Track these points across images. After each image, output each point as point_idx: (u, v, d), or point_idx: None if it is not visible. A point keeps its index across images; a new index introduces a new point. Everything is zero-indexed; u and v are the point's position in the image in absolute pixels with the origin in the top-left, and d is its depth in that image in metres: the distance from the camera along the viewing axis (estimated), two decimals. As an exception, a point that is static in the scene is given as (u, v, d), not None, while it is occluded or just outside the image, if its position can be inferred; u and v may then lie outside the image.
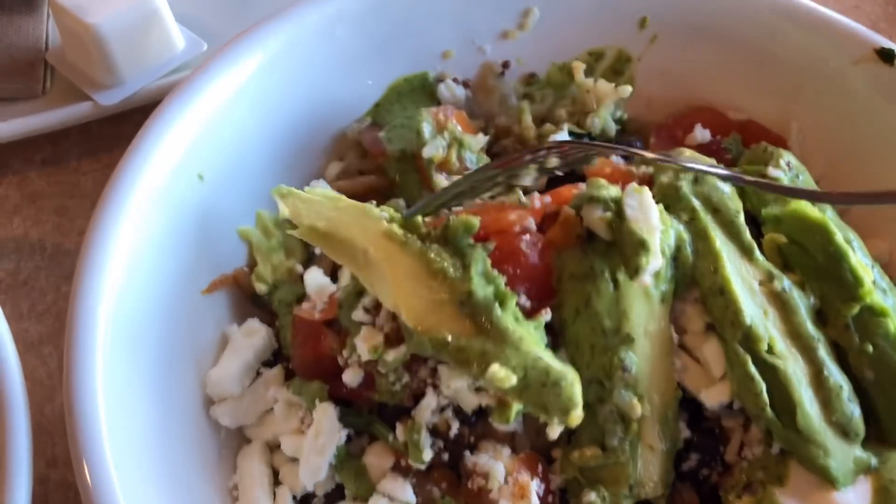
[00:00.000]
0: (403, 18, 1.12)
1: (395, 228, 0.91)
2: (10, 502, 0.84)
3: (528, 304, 0.90)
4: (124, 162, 0.94)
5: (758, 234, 0.99)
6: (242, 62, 1.02)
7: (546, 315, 0.89)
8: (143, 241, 0.93)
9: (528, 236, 0.93)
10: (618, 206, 0.91)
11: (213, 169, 1.00)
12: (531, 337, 0.84)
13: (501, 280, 0.88)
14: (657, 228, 0.90)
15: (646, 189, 0.92)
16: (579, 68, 1.18)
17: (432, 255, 0.88)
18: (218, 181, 1.01)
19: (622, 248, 0.90)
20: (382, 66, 1.14)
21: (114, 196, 0.93)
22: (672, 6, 1.16)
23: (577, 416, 0.81)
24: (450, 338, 0.83)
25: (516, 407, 0.85)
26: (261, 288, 1.02)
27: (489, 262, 0.89)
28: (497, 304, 0.86)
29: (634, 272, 0.88)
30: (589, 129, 1.15)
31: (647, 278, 0.89)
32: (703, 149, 1.14)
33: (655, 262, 0.88)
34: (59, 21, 1.19)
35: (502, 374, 0.80)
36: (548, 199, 0.98)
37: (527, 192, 1.01)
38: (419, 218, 0.93)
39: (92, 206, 1.20)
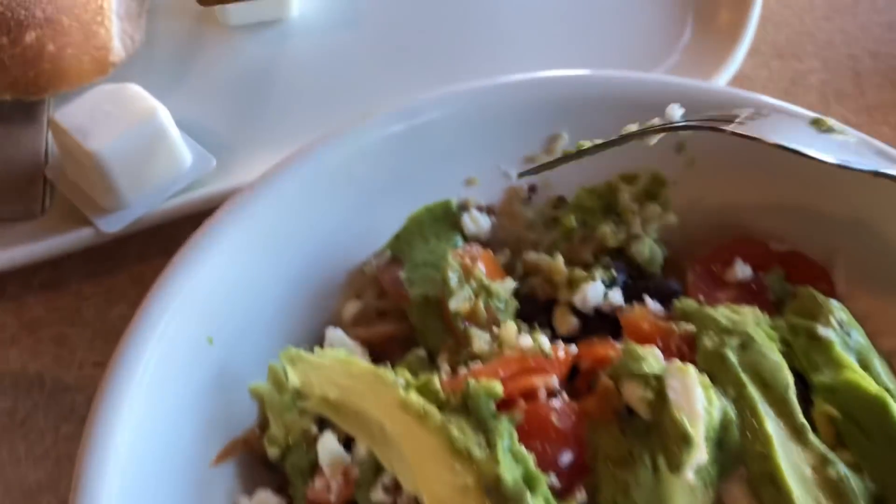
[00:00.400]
0: (426, 150, 1.06)
1: (413, 397, 0.85)
2: None
3: (558, 483, 0.84)
4: (128, 335, 0.87)
5: (805, 398, 0.92)
6: (255, 213, 0.95)
7: (580, 495, 0.83)
8: (150, 415, 0.87)
9: (558, 405, 0.87)
10: (659, 385, 0.85)
11: (224, 330, 0.94)
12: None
13: (531, 460, 0.81)
14: (702, 417, 0.83)
15: (690, 369, 0.85)
16: (625, 190, 1.11)
17: (454, 432, 0.82)
18: (229, 342, 0.94)
19: (663, 433, 0.84)
20: (403, 197, 1.07)
21: (121, 365, 0.87)
22: (712, 134, 1.09)
23: None
24: None
25: None
26: (273, 453, 0.95)
27: (516, 436, 0.83)
28: (527, 492, 0.80)
29: (676, 468, 0.82)
30: (635, 257, 1.08)
31: (689, 474, 0.82)
32: (744, 287, 1.07)
33: (700, 456, 0.82)
34: (59, 141, 1.12)
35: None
36: (573, 348, 0.92)
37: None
38: (437, 382, 0.87)
39: (93, 335, 1.15)
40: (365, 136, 1.03)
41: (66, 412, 1.10)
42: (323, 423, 0.98)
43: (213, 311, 0.93)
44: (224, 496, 0.93)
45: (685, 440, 0.82)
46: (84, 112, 1.10)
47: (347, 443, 0.94)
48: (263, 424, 0.98)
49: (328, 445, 0.92)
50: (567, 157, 1.06)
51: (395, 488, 0.86)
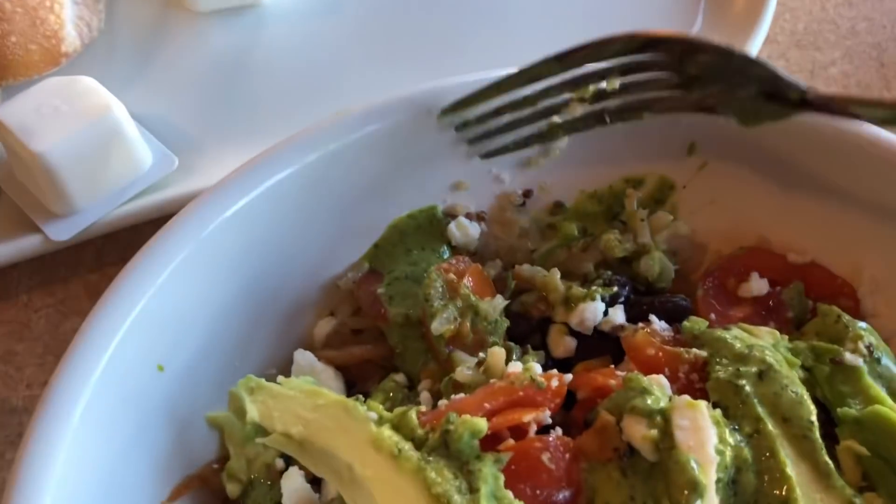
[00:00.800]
0: (408, 152, 0.95)
1: (386, 434, 0.75)
2: None
3: None
4: (70, 354, 0.77)
5: (831, 433, 0.82)
6: (214, 222, 0.85)
7: None
8: (90, 451, 0.78)
9: (551, 442, 0.77)
10: (665, 422, 0.75)
11: (177, 356, 0.84)
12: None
13: None
14: (714, 460, 0.73)
15: (701, 405, 0.75)
16: (632, 196, 1.01)
17: (432, 475, 0.72)
18: (182, 368, 0.84)
19: (668, 477, 0.74)
20: (383, 203, 0.96)
21: (55, 397, 0.77)
22: (726, 131, 0.98)
23: None
24: None
25: None
26: (233, 490, 0.86)
27: (502, 479, 0.73)
28: None
29: None
30: (643, 273, 0.98)
31: None
32: (760, 303, 0.97)
33: None
34: (3, 140, 1.02)
35: None
36: (568, 377, 0.81)
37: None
38: (414, 417, 0.77)
39: (44, 351, 1.05)
40: (341, 135, 0.92)
41: (12, 437, 1.01)
42: (288, 457, 0.88)
43: (164, 335, 0.83)
44: (177, 540, 0.84)
45: (694, 487, 0.72)
46: (30, 108, 0.99)
47: (315, 479, 0.84)
48: (223, 458, 0.88)
49: (294, 483, 0.82)
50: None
51: (366, 535, 0.76)
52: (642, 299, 0.95)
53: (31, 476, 0.74)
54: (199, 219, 0.85)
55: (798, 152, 0.98)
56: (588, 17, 1.28)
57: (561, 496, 0.75)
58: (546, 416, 0.78)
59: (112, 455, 0.79)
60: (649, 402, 0.76)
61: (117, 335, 0.79)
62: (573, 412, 0.84)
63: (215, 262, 0.87)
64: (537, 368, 0.82)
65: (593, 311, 0.89)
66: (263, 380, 0.82)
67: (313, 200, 0.92)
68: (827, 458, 0.78)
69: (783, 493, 0.76)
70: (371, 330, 0.96)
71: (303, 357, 0.91)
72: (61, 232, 1.02)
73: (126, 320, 0.80)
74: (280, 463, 0.87)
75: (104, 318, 0.79)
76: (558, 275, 0.94)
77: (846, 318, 0.89)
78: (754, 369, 0.82)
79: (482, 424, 0.74)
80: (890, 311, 0.95)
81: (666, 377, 0.82)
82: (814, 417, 0.80)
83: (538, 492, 0.75)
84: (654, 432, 0.74)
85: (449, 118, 0.95)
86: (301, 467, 0.84)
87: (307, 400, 0.80)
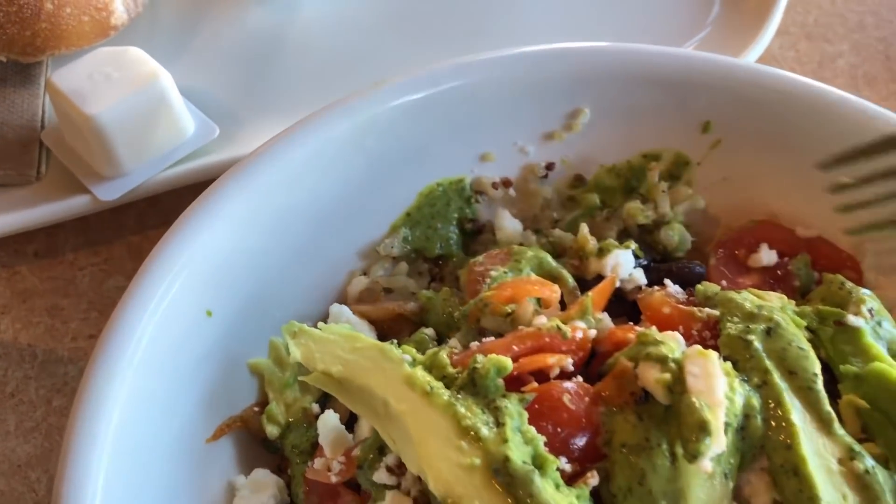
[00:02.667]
0: (440, 123, 1.01)
1: (419, 374, 0.81)
2: None
3: (569, 467, 0.79)
4: (124, 301, 0.83)
5: (833, 390, 0.87)
6: (258, 182, 0.91)
7: (593, 480, 0.79)
8: (143, 387, 0.83)
9: (571, 386, 0.82)
10: (679, 368, 0.80)
11: (223, 302, 0.89)
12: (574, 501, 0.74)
13: (541, 441, 0.77)
14: (723, 405, 0.78)
15: (712, 354, 0.80)
16: (655, 169, 1.06)
17: (461, 410, 0.78)
18: (228, 315, 0.90)
19: (680, 419, 0.79)
20: (414, 171, 1.02)
21: (112, 340, 0.83)
22: (741, 112, 1.04)
23: None
24: None
25: None
26: (272, 431, 0.92)
27: (526, 416, 0.78)
28: (536, 473, 0.75)
29: (692, 457, 0.77)
30: (663, 242, 1.04)
31: (706, 464, 0.78)
32: (768, 273, 1.03)
33: (717, 446, 0.77)
34: (57, 104, 1.08)
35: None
36: (592, 332, 0.87)
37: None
38: (444, 357, 0.83)
39: (88, 307, 1.11)
40: (376, 105, 0.98)
41: (58, 384, 1.06)
42: (324, 402, 0.94)
43: (213, 283, 0.88)
44: (219, 475, 0.89)
45: (703, 429, 0.76)
46: (83, 75, 1.05)
47: (349, 423, 0.90)
48: (262, 402, 0.94)
49: (329, 423, 0.88)
50: None
51: (398, 468, 0.81)
52: (660, 265, 1.01)
53: (92, 410, 0.79)
54: (246, 178, 0.91)
55: (808, 133, 1.04)
56: (612, 3, 1.34)
57: (580, 435, 0.80)
58: (569, 362, 0.84)
59: (163, 393, 0.85)
60: (663, 350, 0.81)
61: (170, 280, 0.85)
62: (593, 367, 0.89)
63: (260, 220, 0.92)
64: (560, 323, 0.88)
65: (627, 258, 0.95)
66: (305, 325, 0.87)
67: (351, 166, 0.98)
68: (829, 409, 0.84)
69: (788, 438, 0.81)
70: (401, 290, 1.01)
71: (338, 310, 0.96)
72: (108, 193, 1.08)
73: (178, 266, 0.85)
74: (316, 407, 0.93)
75: (159, 264, 0.85)
76: (587, 229, 0.99)
77: (850, 284, 0.94)
78: (763, 326, 0.87)
79: (507, 362, 0.79)
80: (891, 283, 1.00)
81: (680, 334, 0.87)
82: (818, 371, 0.85)
83: (559, 430, 0.80)
84: (666, 376, 0.79)
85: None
86: (336, 411, 0.90)
87: (346, 343, 0.85)
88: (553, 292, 0.91)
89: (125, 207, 1.13)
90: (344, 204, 0.99)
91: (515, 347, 0.84)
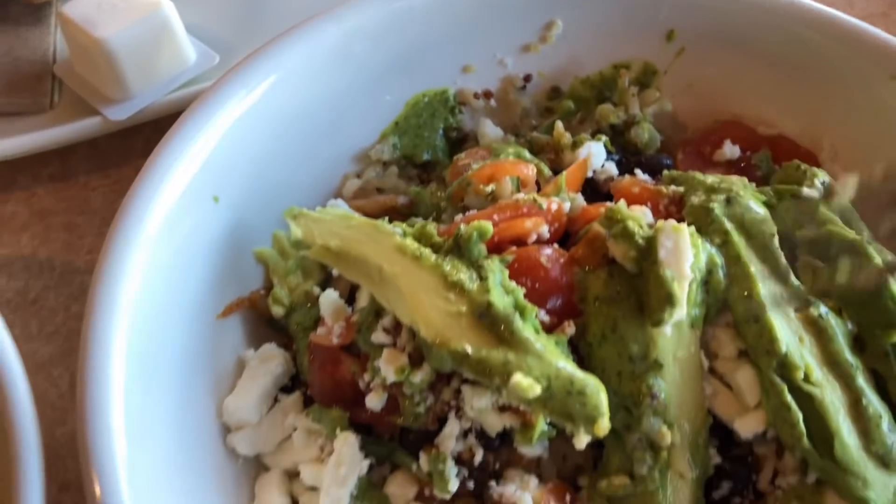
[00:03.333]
0: (423, 33, 1.09)
1: (409, 242, 0.89)
2: None
3: (547, 319, 0.87)
4: (137, 184, 0.91)
5: (793, 258, 0.95)
6: (257, 81, 0.99)
7: (570, 329, 0.86)
8: (157, 265, 0.90)
9: (548, 250, 0.90)
10: (649, 244, 0.87)
11: (229, 190, 0.97)
12: (553, 348, 0.81)
13: (520, 292, 0.85)
14: (688, 278, 0.85)
15: (684, 229, 0.87)
16: (624, 75, 1.15)
17: (448, 268, 0.86)
18: (234, 203, 0.98)
19: (648, 287, 0.87)
20: (401, 81, 1.11)
21: (127, 219, 0.90)
22: (701, 18, 1.13)
23: (603, 425, 0.78)
24: (470, 350, 0.80)
25: (540, 427, 0.83)
26: (277, 311, 0.99)
27: (507, 273, 0.86)
28: (517, 315, 0.83)
29: (656, 323, 0.85)
30: (634, 140, 1.12)
31: (668, 329, 0.86)
32: (732, 166, 1.11)
33: (679, 314, 0.85)
34: (67, 33, 1.16)
35: (525, 384, 0.77)
36: (567, 205, 0.95)
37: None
38: (432, 226, 0.91)
39: (101, 223, 1.18)
40: (362, 13, 1.06)
41: (76, 292, 1.14)
42: (325, 286, 1.01)
43: (219, 172, 0.96)
44: (230, 350, 0.97)
45: (669, 300, 0.84)
46: (92, 4, 1.13)
47: (348, 301, 0.98)
48: (268, 287, 1.02)
49: (330, 298, 0.96)
50: None
51: (394, 329, 0.89)
52: (630, 159, 1.10)
53: (113, 275, 0.87)
54: (244, 78, 0.99)
55: (765, 37, 1.12)
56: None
57: (557, 291, 0.88)
58: (544, 229, 0.92)
59: (176, 268, 0.92)
60: (631, 226, 0.89)
61: (180, 163, 0.92)
62: (568, 245, 0.97)
63: (261, 118, 1.00)
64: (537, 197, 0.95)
65: (599, 149, 1.03)
66: (304, 209, 0.95)
67: (341, 72, 1.06)
68: (785, 263, 0.92)
69: (747, 289, 0.89)
70: (392, 189, 1.10)
71: (335, 203, 1.04)
72: (117, 113, 1.16)
73: (186, 153, 0.93)
74: (317, 290, 1.00)
75: (170, 150, 0.93)
76: (562, 126, 1.08)
77: (805, 166, 1.03)
78: (723, 196, 0.95)
79: (488, 226, 0.87)
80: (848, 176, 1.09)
81: (648, 209, 0.95)
82: (773, 231, 0.93)
83: (536, 285, 0.88)
84: (633, 253, 0.87)
85: None
86: (336, 289, 0.98)
87: (341, 221, 0.93)
88: (530, 172, 0.99)
89: (133, 133, 1.21)
90: (336, 110, 1.07)
91: (496, 216, 0.92)
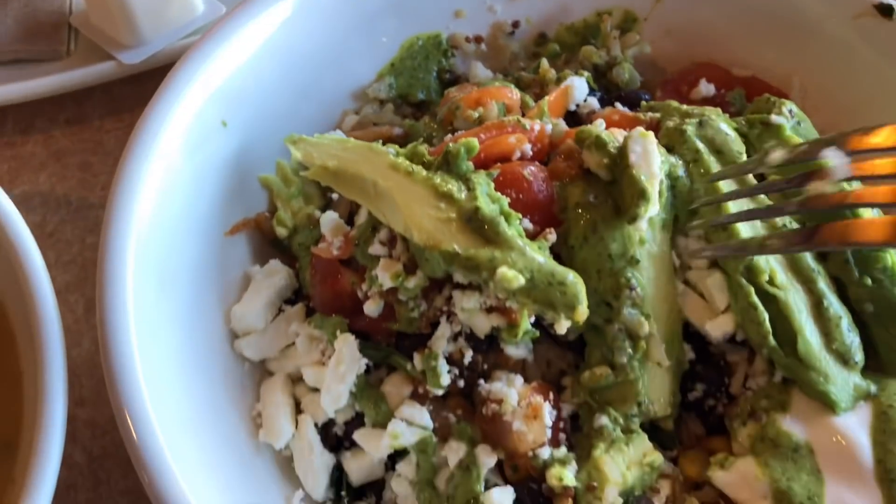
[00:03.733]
0: (417, -24, 1.17)
1: (401, 160, 0.96)
2: (48, 436, 0.85)
3: (531, 227, 0.94)
4: (151, 108, 0.98)
5: (762, 178, 1.02)
6: (263, 17, 1.07)
7: (551, 236, 0.93)
8: (170, 184, 0.98)
9: (531, 167, 0.97)
10: (621, 151, 0.95)
11: (236, 116, 1.04)
12: (536, 248, 0.88)
13: (505, 201, 0.92)
14: (658, 177, 0.93)
15: (650, 135, 0.95)
16: (606, 20, 1.22)
17: (438, 181, 0.93)
18: (240, 129, 1.05)
19: (622, 189, 0.94)
20: (396, 24, 1.18)
21: (141, 140, 0.97)
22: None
23: (582, 311, 0.85)
24: (459, 249, 0.87)
25: (525, 325, 0.89)
26: (281, 232, 1.06)
27: (493, 186, 0.93)
28: (502, 219, 0.90)
29: (632, 219, 0.92)
30: (615, 80, 1.19)
31: (643, 225, 0.93)
32: (707, 103, 1.17)
33: (653, 209, 0.92)
34: (84, -16, 1.23)
35: (510, 275, 0.84)
36: (549, 126, 1.02)
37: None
38: (423, 147, 0.98)
39: (115, 163, 1.24)
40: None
41: (91, 225, 1.21)
42: (325, 209, 1.08)
43: (228, 98, 1.03)
44: (237, 265, 1.04)
45: (642, 196, 0.91)
46: (106, -44, 1.21)
47: (347, 223, 1.05)
48: (272, 210, 1.09)
49: (330, 216, 1.03)
50: None
51: (389, 242, 0.96)
52: (612, 95, 1.17)
53: (125, 203, 0.93)
54: (252, 11, 1.06)
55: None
56: None
57: (539, 201, 0.95)
58: (528, 147, 0.99)
59: (187, 184, 0.99)
60: (603, 136, 0.96)
61: (192, 87, 1.00)
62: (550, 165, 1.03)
63: (265, 52, 1.07)
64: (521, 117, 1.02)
65: (581, 83, 1.10)
66: (304, 135, 1.02)
67: (339, 11, 1.13)
68: (752, 178, 0.99)
69: (715, 199, 0.96)
70: (388, 124, 1.17)
71: (334, 133, 1.11)
72: (131, 58, 1.23)
73: (196, 79, 1.00)
74: (318, 214, 1.07)
75: (180, 76, 1.00)
76: (547, 63, 1.15)
77: (774, 98, 1.10)
78: (696, 120, 1.03)
79: (475, 142, 0.94)
80: (817, 113, 1.15)
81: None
82: (743, 150, 1.01)
83: (520, 195, 0.95)
84: (606, 160, 0.95)
85: None
86: (335, 211, 1.05)
87: (338, 144, 1.01)
88: (515, 97, 1.07)
89: (144, 79, 1.28)
90: (336, 49, 1.14)
91: (482, 135, 0.99)
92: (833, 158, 0.91)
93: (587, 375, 0.93)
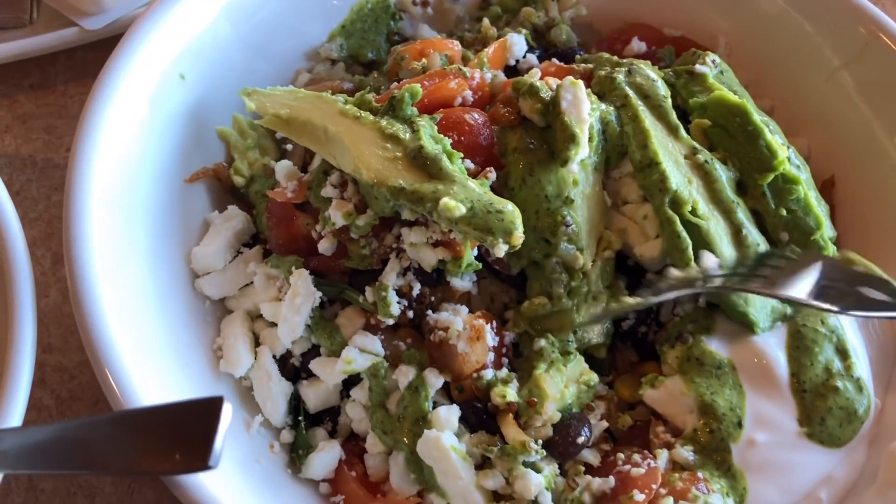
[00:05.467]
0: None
1: (349, 107, 1.02)
2: (16, 376, 0.89)
3: (473, 167, 1.00)
4: (112, 59, 1.03)
5: (686, 122, 1.11)
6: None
7: (491, 175, 0.99)
8: (132, 133, 1.03)
9: (473, 112, 1.04)
10: (553, 99, 1.02)
11: (194, 70, 1.10)
12: (477, 184, 0.95)
13: (447, 141, 0.98)
14: (587, 122, 1.00)
15: (580, 83, 1.02)
16: None
17: (384, 123, 0.99)
18: (198, 82, 1.11)
19: (555, 135, 1.01)
20: (347, -13, 1.25)
21: (103, 91, 1.02)
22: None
23: (518, 236, 0.92)
24: (404, 184, 0.93)
25: (468, 258, 0.96)
26: (238, 181, 1.12)
27: (436, 128, 1.00)
28: (444, 157, 0.96)
29: (564, 162, 0.99)
30: (554, 41, 1.26)
31: (574, 167, 1.00)
32: (640, 58, 1.26)
33: (583, 152, 0.99)
34: (45, -47, 1.28)
35: (452, 205, 0.91)
36: (488, 75, 1.09)
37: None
38: (370, 96, 1.04)
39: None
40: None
41: (56, 184, 1.26)
42: (280, 160, 1.14)
43: (186, 52, 1.09)
44: (197, 212, 1.10)
45: (573, 140, 0.99)
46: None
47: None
48: (229, 161, 1.15)
49: (285, 164, 1.09)
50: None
51: (340, 185, 1.02)
52: (549, 52, 1.24)
53: (89, 151, 0.98)
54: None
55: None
56: None
57: (480, 143, 1.02)
58: (468, 94, 1.05)
59: (147, 133, 1.04)
60: (537, 84, 1.03)
61: (148, 42, 1.05)
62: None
63: (221, 8, 1.13)
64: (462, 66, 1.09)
65: (519, 39, 1.17)
66: (257, 88, 1.08)
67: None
68: (676, 121, 1.07)
69: (643, 141, 1.04)
70: (337, 78, 1.23)
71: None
72: (93, 24, 1.28)
73: (154, 33, 1.06)
74: (273, 164, 1.13)
75: (139, 29, 1.05)
76: (488, 21, 1.22)
77: (700, 51, 1.18)
78: (625, 69, 1.10)
79: (418, 87, 1.01)
80: (741, 69, 1.24)
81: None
82: (666, 94, 1.09)
83: (462, 138, 1.01)
84: (539, 106, 1.02)
85: None
86: (288, 160, 1.11)
87: (290, 94, 1.07)
88: (457, 48, 1.14)
89: (107, 45, 1.30)
90: (288, 8, 1.20)
91: (426, 82, 1.05)
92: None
93: (527, 305, 1.01)
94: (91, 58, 1.36)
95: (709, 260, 1.01)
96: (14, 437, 0.82)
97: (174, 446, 0.71)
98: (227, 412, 0.70)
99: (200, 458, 0.68)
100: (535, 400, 0.97)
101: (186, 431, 0.71)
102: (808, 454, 0.99)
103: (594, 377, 1.01)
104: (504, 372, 1.00)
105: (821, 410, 1.00)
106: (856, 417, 1.01)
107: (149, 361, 0.93)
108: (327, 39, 1.25)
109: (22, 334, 0.91)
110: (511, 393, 0.97)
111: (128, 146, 1.02)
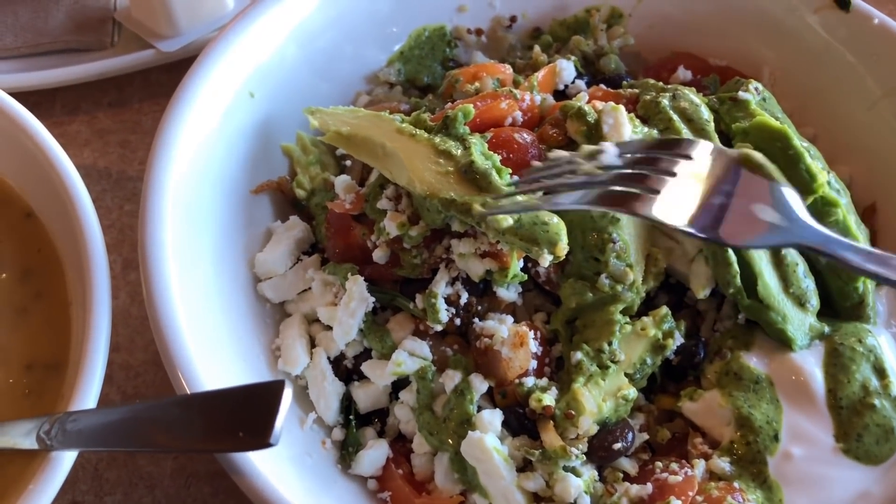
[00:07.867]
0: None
1: (406, 125, 1.08)
2: (92, 358, 0.96)
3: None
4: (187, 79, 1.12)
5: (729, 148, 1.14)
6: (288, 5, 1.21)
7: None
8: (202, 146, 1.11)
9: (522, 132, 1.09)
10: (595, 123, 1.07)
11: (262, 89, 1.18)
12: (524, 197, 1.00)
13: (497, 158, 1.04)
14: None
15: (621, 107, 1.08)
16: (595, 14, 1.36)
17: (438, 140, 1.05)
18: (266, 100, 1.18)
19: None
20: (406, 15, 1.32)
21: (178, 107, 1.11)
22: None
23: (562, 246, 0.96)
24: (455, 196, 0.99)
25: (514, 269, 1.01)
26: (300, 194, 1.19)
27: (486, 146, 1.05)
28: (494, 172, 1.02)
29: None
30: (603, 69, 1.32)
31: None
32: (685, 85, 1.30)
33: None
34: (128, -18, 1.38)
35: (500, 217, 0.96)
36: (538, 98, 1.15)
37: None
38: (425, 115, 1.10)
39: (152, 141, 1.39)
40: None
41: (128, 195, 1.34)
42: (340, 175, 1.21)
43: (255, 72, 1.17)
44: (261, 221, 1.17)
45: None
46: (148, -43, 1.36)
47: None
48: (292, 175, 1.22)
49: (344, 178, 1.15)
50: None
51: (395, 198, 1.08)
52: (597, 78, 1.30)
53: (163, 162, 1.06)
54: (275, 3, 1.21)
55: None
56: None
57: (529, 158, 1.08)
58: (518, 115, 1.11)
59: (219, 146, 1.12)
60: (584, 108, 1.09)
61: (220, 63, 1.13)
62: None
63: (290, 34, 1.21)
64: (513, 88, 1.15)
65: (568, 66, 1.23)
66: (320, 107, 1.16)
67: (353, 7, 1.27)
68: (719, 142, 1.11)
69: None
70: (395, 100, 1.30)
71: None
72: (168, 46, 1.38)
73: (227, 54, 1.14)
74: (333, 178, 1.20)
75: (212, 51, 1.14)
76: (539, 49, 1.28)
77: (743, 79, 1.22)
78: (670, 94, 1.15)
79: (471, 108, 1.07)
80: (785, 99, 1.28)
81: (608, 107, 1.15)
82: (710, 118, 1.13)
83: (511, 156, 1.07)
84: (583, 128, 1.07)
85: None
86: (347, 175, 1.18)
87: (350, 114, 1.14)
88: (509, 73, 1.20)
89: (180, 67, 1.41)
90: (351, 34, 1.28)
91: (478, 103, 1.12)
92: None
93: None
94: (164, 79, 1.45)
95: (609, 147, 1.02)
96: (89, 417, 0.89)
97: (238, 425, 0.76)
98: (288, 394, 0.76)
99: (262, 435, 0.74)
100: (573, 413, 1.00)
101: (249, 412, 0.76)
102: (845, 470, 1.01)
103: (632, 391, 1.04)
104: (544, 381, 1.04)
105: (857, 427, 1.02)
106: (893, 436, 1.02)
107: (212, 356, 0.99)
108: (386, 64, 1.32)
109: (98, 329, 0.97)
110: (547, 398, 1.01)
111: (199, 158, 1.10)
